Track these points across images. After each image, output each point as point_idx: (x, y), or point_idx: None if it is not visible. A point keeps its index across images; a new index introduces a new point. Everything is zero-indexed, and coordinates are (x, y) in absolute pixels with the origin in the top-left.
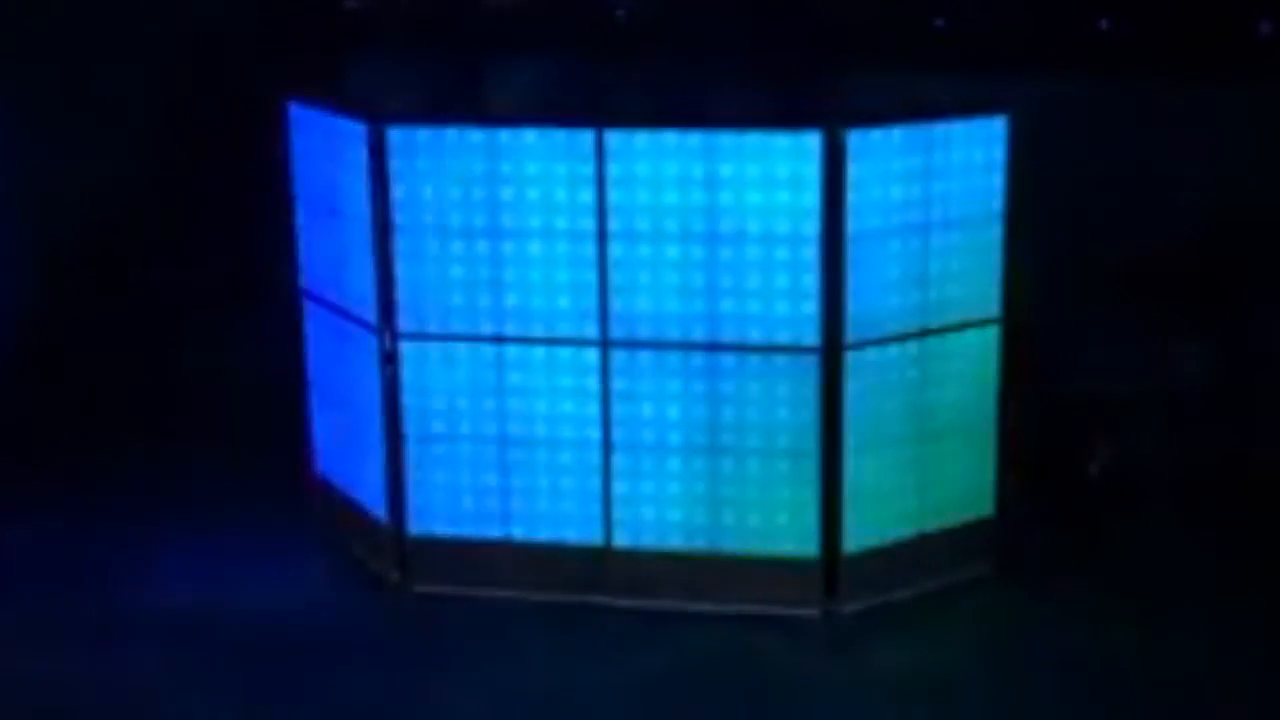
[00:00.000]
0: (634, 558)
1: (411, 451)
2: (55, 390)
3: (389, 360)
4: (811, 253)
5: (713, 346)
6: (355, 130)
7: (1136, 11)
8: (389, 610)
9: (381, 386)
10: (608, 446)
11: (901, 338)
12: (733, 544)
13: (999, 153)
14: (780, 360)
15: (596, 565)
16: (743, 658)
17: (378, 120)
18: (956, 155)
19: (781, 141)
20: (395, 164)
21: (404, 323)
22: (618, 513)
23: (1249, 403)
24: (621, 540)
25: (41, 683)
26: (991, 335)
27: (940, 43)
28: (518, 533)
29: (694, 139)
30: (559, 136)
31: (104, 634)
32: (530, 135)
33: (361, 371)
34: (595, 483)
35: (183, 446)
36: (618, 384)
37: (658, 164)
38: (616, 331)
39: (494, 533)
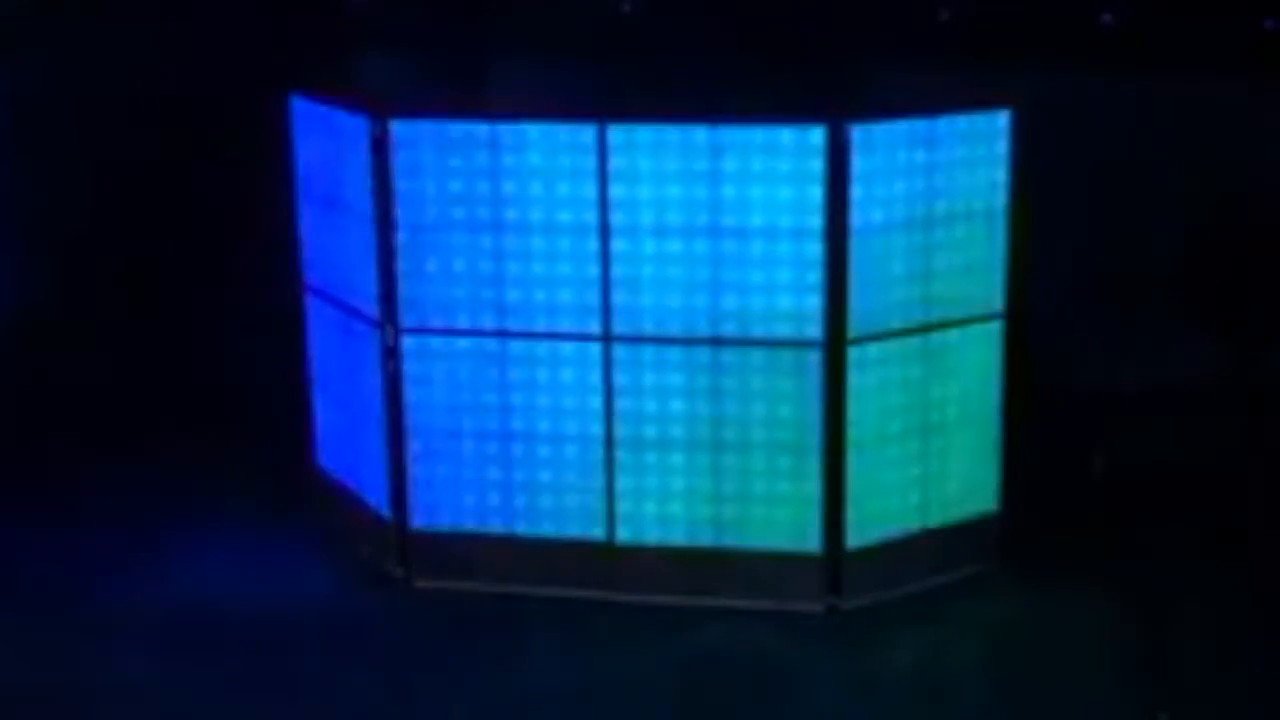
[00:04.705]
0: (637, 553)
1: (414, 446)
2: (55, 387)
3: (391, 355)
4: (815, 247)
5: (716, 341)
6: (358, 124)
7: (1139, 5)
8: (391, 605)
9: (384, 381)
10: (610, 441)
11: (905, 332)
12: (736, 539)
13: (1002, 147)
14: (783, 355)
15: (600, 560)
16: (745, 653)
17: (381, 114)
18: (960, 149)
19: (785, 135)
20: (398, 158)
21: (407, 317)
22: (621, 508)
23: (1251, 400)
24: (624, 535)
25: (42, 681)
26: (994, 330)
27: (944, 36)
28: (520, 528)
29: (697, 133)
30: (562, 131)
31: (105, 630)
32: (533, 129)
33: (364, 366)
34: (598, 478)
35: (184, 442)
36: (621, 378)
37: (661, 158)
38: (619, 326)
39: (497, 528)
